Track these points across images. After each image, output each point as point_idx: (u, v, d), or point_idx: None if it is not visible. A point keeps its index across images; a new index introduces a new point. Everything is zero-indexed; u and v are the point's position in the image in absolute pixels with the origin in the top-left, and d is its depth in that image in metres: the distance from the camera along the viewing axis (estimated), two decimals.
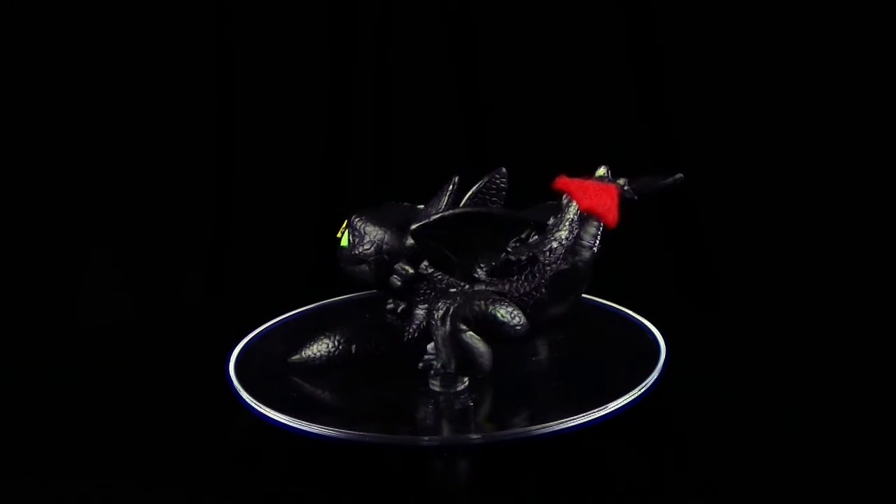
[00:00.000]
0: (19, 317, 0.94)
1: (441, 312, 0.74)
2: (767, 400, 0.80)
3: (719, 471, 0.71)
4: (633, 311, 0.87)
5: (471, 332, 0.73)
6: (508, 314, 0.74)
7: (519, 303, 0.75)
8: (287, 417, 0.72)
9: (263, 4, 1.03)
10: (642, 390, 0.74)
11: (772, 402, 0.80)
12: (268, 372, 0.79)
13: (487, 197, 0.77)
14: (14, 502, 0.69)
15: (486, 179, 0.77)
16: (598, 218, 0.76)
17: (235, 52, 1.03)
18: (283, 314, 0.88)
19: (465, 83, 1.04)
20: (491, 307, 0.74)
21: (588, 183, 0.78)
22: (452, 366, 0.74)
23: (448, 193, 0.76)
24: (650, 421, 0.75)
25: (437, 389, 0.76)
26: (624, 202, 0.77)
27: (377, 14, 1.03)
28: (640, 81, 1.03)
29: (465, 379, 0.76)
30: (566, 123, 1.04)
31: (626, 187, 0.78)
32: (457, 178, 0.77)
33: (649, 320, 0.85)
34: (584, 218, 0.76)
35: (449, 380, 0.76)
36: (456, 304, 0.73)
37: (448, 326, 0.73)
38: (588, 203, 0.77)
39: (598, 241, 0.76)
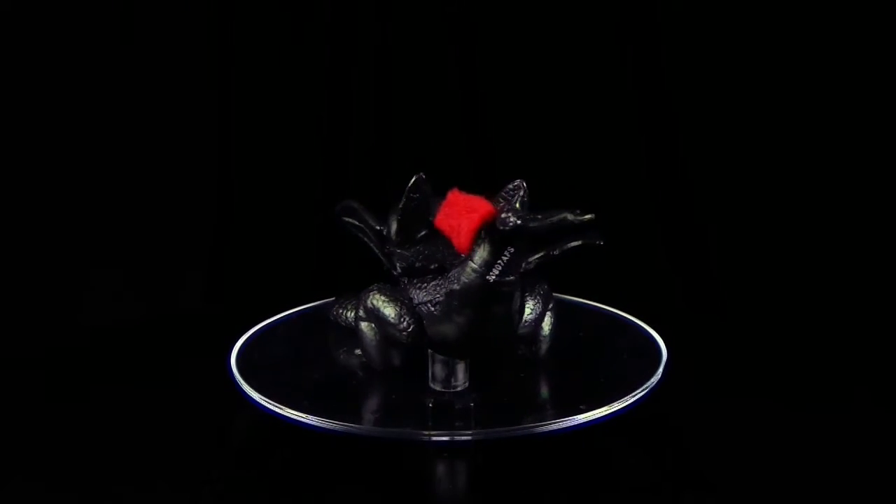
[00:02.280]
0: (19, 317, 0.94)
1: (361, 298, 0.77)
2: (767, 400, 0.80)
3: (718, 470, 0.71)
4: (632, 314, 0.87)
5: (366, 323, 0.77)
6: (396, 316, 0.75)
7: (418, 309, 0.75)
8: (288, 410, 0.72)
9: (263, 4, 1.03)
10: (643, 392, 0.74)
11: (771, 403, 0.80)
12: (268, 368, 0.79)
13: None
14: (12, 502, 0.69)
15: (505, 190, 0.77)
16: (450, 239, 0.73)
17: (236, 54, 1.03)
18: (283, 313, 0.88)
19: (465, 83, 1.04)
20: (383, 304, 0.76)
21: (465, 199, 0.73)
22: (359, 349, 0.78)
23: (406, 191, 0.77)
24: (650, 421, 0.76)
25: (439, 388, 0.76)
26: (490, 230, 0.71)
27: (377, 14, 1.03)
28: (641, 82, 1.03)
29: (466, 379, 0.76)
30: (566, 124, 1.04)
31: (510, 217, 0.70)
32: (421, 175, 0.77)
33: (649, 323, 0.85)
34: (489, 241, 0.71)
35: (448, 379, 0.76)
36: (367, 293, 0.77)
37: (356, 313, 0.77)
38: (441, 221, 0.73)
39: (492, 267, 0.71)
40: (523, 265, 0.76)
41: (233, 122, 1.04)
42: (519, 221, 0.69)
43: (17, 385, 0.84)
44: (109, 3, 0.99)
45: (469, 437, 0.71)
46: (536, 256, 0.77)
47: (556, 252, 0.77)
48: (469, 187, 0.77)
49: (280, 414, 0.72)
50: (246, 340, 0.83)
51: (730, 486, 0.69)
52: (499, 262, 0.71)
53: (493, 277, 0.71)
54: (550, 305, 0.79)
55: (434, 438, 0.71)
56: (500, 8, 1.03)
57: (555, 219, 0.69)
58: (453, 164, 1.03)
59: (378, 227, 0.79)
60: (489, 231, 0.70)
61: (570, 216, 0.69)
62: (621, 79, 1.03)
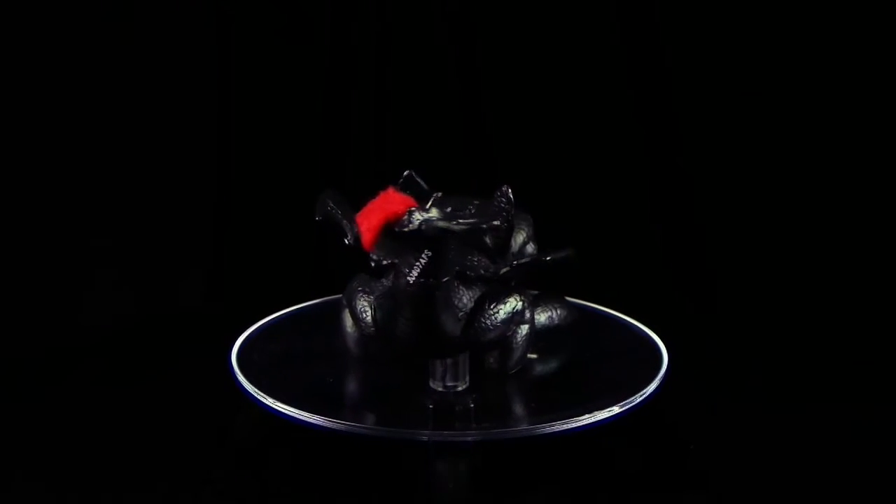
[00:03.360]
0: (19, 317, 0.94)
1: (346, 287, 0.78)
2: (767, 400, 0.80)
3: (718, 470, 0.71)
4: (632, 314, 0.87)
5: (345, 312, 0.77)
6: (360, 309, 0.76)
7: (375, 304, 0.75)
8: (289, 408, 0.72)
9: (263, 4, 1.03)
10: (644, 394, 0.74)
11: (771, 403, 0.80)
12: (269, 366, 0.79)
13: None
14: (12, 502, 0.69)
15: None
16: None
17: (235, 53, 1.03)
18: (283, 311, 0.88)
19: (465, 83, 1.04)
20: (355, 295, 0.76)
21: (387, 198, 0.71)
22: None
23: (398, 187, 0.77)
24: (650, 421, 0.76)
25: (439, 388, 0.76)
26: (393, 230, 0.70)
27: (377, 14, 1.03)
28: (641, 81, 1.03)
29: (466, 379, 0.76)
30: (566, 124, 1.04)
31: (412, 220, 0.69)
32: (411, 173, 0.77)
33: (648, 324, 0.85)
34: (410, 243, 0.70)
35: (448, 379, 0.76)
36: (350, 282, 0.77)
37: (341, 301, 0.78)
38: (359, 216, 0.72)
39: (414, 270, 0.69)
40: (489, 272, 0.75)
41: (232, 121, 1.04)
42: (418, 225, 0.68)
43: (17, 385, 0.84)
44: (109, 3, 0.99)
45: (469, 438, 0.71)
46: (504, 269, 0.76)
47: (517, 264, 0.77)
48: (468, 187, 0.77)
49: (281, 412, 0.72)
50: (246, 339, 0.83)
51: (730, 486, 0.69)
52: (416, 264, 0.70)
53: (412, 279, 0.70)
54: (526, 317, 0.76)
55: (434, 438, 0.71)
56: (500, 8, 1.03)
57: (454, 225, 0.69)
58: (453, 163, 1.03)
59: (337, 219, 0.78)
60: (404, 232, 0.70)
61: (442, 223, 0.69)
62: (621, 79, 1.03)
